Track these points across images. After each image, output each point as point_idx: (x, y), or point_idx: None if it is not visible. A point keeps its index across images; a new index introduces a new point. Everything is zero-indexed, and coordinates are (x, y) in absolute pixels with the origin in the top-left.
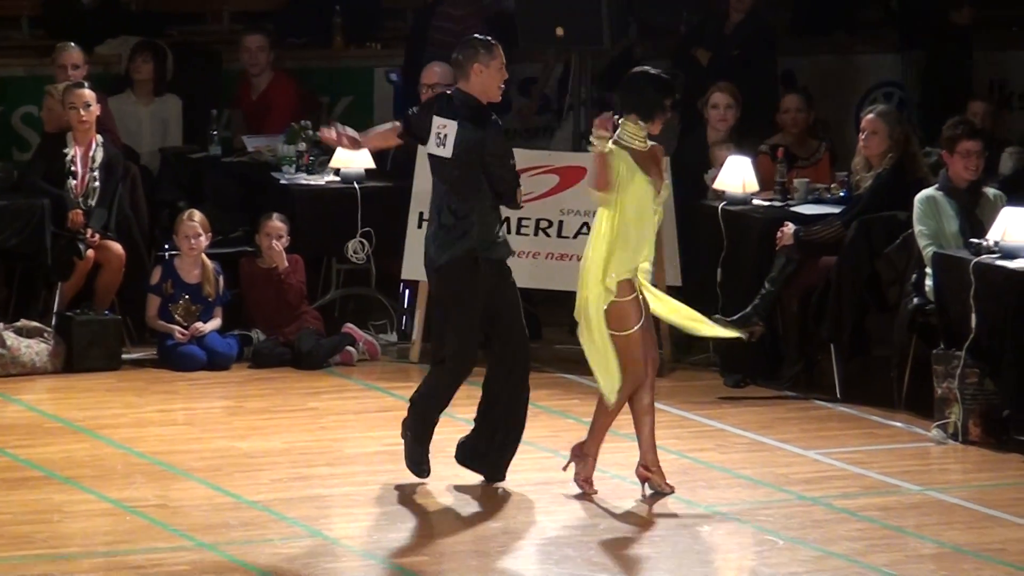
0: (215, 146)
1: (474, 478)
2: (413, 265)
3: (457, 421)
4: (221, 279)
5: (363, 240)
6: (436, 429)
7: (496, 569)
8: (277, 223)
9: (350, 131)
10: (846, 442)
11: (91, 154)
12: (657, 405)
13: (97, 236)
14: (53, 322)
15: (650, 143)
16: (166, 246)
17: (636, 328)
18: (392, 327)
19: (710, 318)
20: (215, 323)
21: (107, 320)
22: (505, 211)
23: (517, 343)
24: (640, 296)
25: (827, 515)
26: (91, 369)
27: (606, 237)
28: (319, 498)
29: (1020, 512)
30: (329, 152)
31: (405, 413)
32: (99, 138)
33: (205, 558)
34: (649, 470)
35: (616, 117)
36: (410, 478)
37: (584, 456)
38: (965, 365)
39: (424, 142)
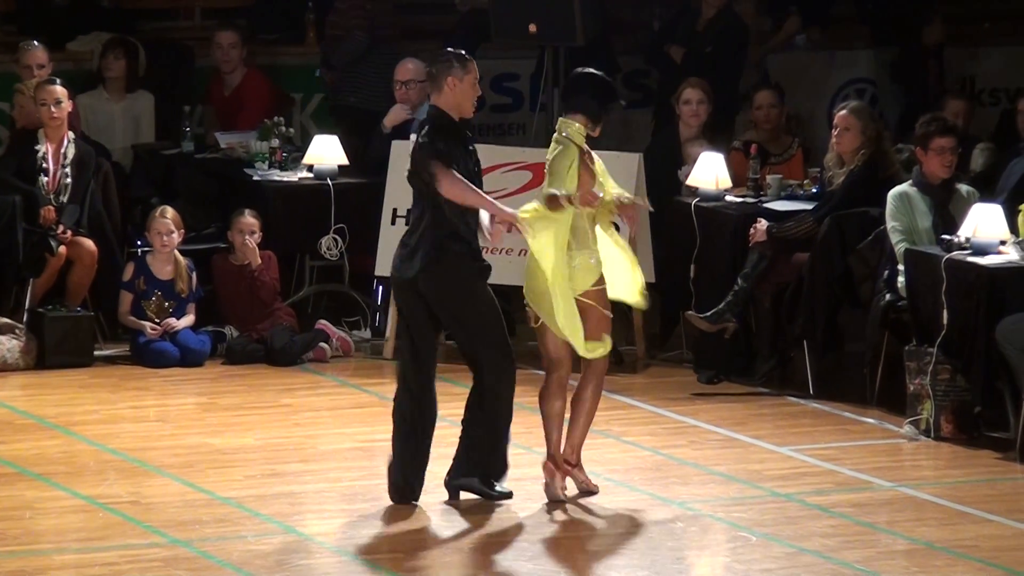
0: (188, 142)
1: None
2: (386, 261)
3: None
4: (194, 275)
5: (336, 236)
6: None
7: (469, 564)
8: (250, 219)
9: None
10: (819, 438)
11: (63, 150)
12: (630, 401)
13: (69, 232)
14: (25, 318)
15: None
16: (139, 242)
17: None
18: (365, 323)
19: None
20: (188, 320)
21: (79, 316)
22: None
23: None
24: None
25: (800, 511)
26: (63, 366)
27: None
28: (292, 494)
29: (992, 508)
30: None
31: (424, 435)
32: (71, 134)
33: (178, 554)
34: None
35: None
36: (383, 475)
37: (561, 467)
38: (937, 361)
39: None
